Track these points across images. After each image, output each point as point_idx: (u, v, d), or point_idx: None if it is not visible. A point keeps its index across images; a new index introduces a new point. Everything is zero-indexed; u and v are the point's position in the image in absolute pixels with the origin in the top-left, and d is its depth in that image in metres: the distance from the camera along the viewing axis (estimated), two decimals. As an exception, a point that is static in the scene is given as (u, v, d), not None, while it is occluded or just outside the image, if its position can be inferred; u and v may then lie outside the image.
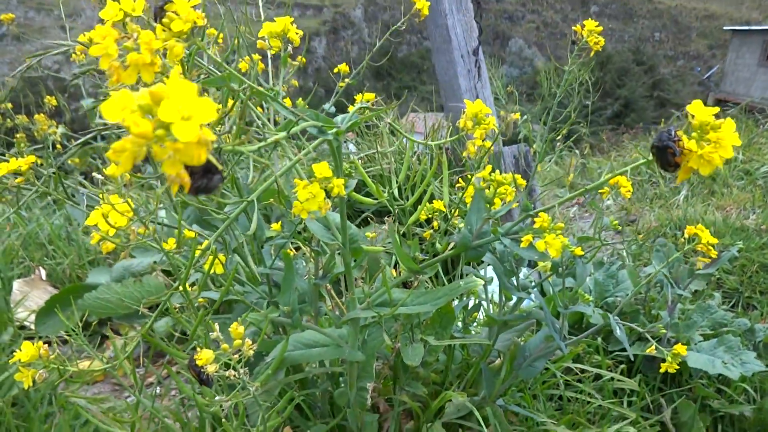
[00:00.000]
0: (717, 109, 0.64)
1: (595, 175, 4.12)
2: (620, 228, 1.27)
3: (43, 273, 2.20)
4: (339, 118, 0.81)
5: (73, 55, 3.15)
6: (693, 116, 0.64)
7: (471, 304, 1.39)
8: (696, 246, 1.06)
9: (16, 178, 1.11)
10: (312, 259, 1.21)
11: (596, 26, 1.09)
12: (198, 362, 0.62)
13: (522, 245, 0.76)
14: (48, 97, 3.44)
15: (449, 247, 0.95)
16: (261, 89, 0.65)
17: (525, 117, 3.12)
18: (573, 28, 1.11)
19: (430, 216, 1.17)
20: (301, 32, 0.96)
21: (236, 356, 0.65)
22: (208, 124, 0.37)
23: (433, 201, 1.03)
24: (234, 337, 0.66)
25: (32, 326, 1.82)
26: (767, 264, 2.65)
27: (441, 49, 2.47)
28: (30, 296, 1.97)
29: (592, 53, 1.11)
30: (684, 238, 1.16)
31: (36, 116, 2.07)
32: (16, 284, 2.00)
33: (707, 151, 0.61)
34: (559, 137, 1.77)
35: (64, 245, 2.36)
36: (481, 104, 0.83)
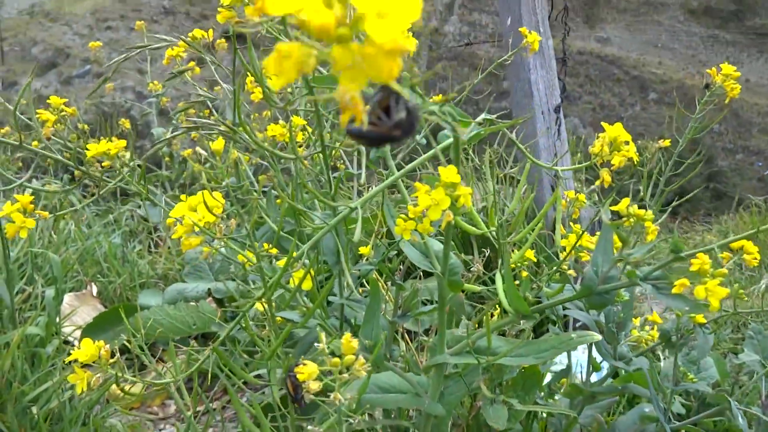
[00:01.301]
0: None
1: (664, 254, 3.89)
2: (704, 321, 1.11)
3: (95, 289, 2.15)
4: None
5: (150, 84, 3.20)
6: None
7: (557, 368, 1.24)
8: None
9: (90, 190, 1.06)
10: (390, 296, 1.09)
11: (734, 70, 0.99)
12: (299, 376, 0.51)
13: (675, 290, 0.64)
14: (123, 120, 3.51)
15: (563, 292, 0.83)
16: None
17: (591, 188, 2.96)
18: (707, 71, 1.01)
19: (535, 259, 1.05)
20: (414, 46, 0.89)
21: (346, 375, 0.53)
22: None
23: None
24: (344, 352, 0.54)
25: (76, 342, 1.75)
26: None
27: (521, 104, 2.40)
28: (78, 311, 1.91)
29: (727, 100, 1.00)
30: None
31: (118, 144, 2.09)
32: (67, 297, 1.95)
33: None
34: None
35: (118, 265, 2.32)
36: (621, 128, 0.73)
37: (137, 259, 2.43)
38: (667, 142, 0.77)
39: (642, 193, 1.66)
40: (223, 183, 0.66)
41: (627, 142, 0.73)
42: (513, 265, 1.06)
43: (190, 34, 1.12)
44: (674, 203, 1.29)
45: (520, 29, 1.47)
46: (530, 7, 2.40)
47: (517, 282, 0.84)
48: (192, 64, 1.25)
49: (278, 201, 1.37)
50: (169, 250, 2.57)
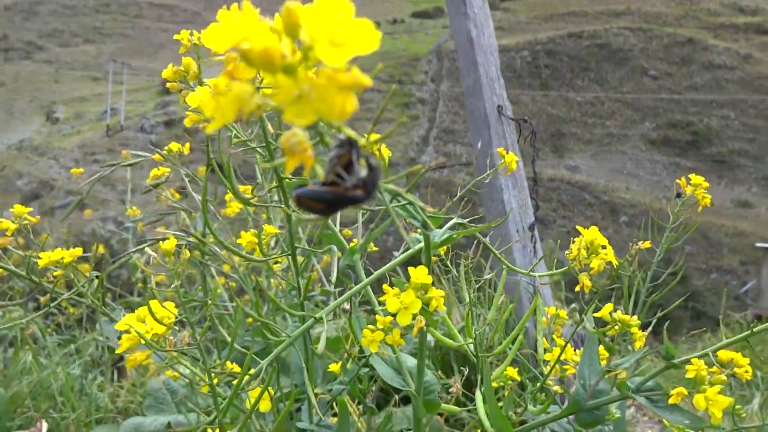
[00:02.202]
0: None
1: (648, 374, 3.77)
2: None
3: (45, 427, 1.97)
4: (434, 232, 0.69)
5: (129, 210, 3.20)
6: None
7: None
8: None
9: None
10: (361, 420, 1.00)
11: (703, 180, 1.00)
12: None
13: (671, 401, 0.58)
14: (98, 245, 3.46)
15: (549, 408, 0.75)
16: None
17: (572, 306, 2.95)
18: (677, 181, 1.02)
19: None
20: (389, 153, 0.88)
21: None
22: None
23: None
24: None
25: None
26: None
27: (497, 223, 2.42)
28: (23, 451, 1.72)
29: (700, 208, 1.00)
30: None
31: (81, 266, 2.03)
32: (12, 436, 1.77)
33: None
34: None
35: (74, 398, 2.15)
36: (597, 231, 0.70)
37: (97, 392, 2.26)
38: (647, 244, 0.75)
39: (623, 308, 1.62)
40: (172, 285, 0.61)
41: (604, 246, 0.71)
42: (495, 384, 0.99)
43: (166, 148, 1.12)
44: (658, 315, 1.25)
45: (498, 149, 1.51)
46: (499, 132, 2.51)
47: (499, 401, 0.77)
48: (165, 173, 1.23)
49: (249, 320, 1.30)
50: (132, 381, 2.41)
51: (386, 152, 0.85)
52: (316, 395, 0.93)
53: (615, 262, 0.71)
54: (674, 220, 1.11)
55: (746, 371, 1.06)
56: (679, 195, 1.04)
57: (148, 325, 0.62)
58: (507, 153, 2.62)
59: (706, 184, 1.03)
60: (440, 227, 0.80)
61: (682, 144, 33.16)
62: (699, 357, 0.63)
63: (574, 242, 0.71)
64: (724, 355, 1.08)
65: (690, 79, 36.40)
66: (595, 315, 0.70)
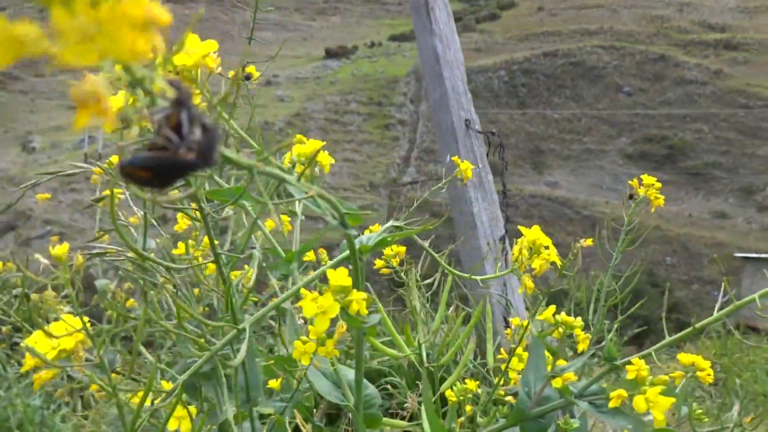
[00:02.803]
0: None
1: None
2: None
3: (0, 462, 1.88)
4: (364, 237, 0.66)
5: (97, 233, 3.14)
6: None
7: None
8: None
9: None
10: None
11: (655, 181, 0.98)
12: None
13: (611, 404, 0.54)
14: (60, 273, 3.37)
15: (496, 419, 0.72)
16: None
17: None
18: (629, 182, 1.01)
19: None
20: (332, 160, 0.85)
21: None
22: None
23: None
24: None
25: None
26: None
27: (466, 236, 2.40)
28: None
29: (653, 209, 0.99)
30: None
31: (47, 292, 1.97)
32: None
33: None
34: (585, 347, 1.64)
35: (35, 431, 2.06)
36: (539, 231, 0.68)
37: (59, 424, 2.18)
38: (589, 241, 0.72)
39: (598, 321, 1.60)
40: (63, 294, 0.57)
41: (546, 246, 0.68)
42: (454, 397, 0.95)
43: (108, 161, 1.08)
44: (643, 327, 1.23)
45: (452, 158, 1.49)
46: (467, 145, 2.51)
47: (460, 415, 0.74)
48: (107, 193, 1.19)
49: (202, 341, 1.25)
50: (96, 411, 2.32)
51: (327, 159, 0.82)
52: (264, 415, 0.89)
53: (558, 262, 0.69)
54: (629, 222, 1.09)
55: (708, 374, 1.04)
56: (631, 197, 1.02)
57: (57, 341, 0.58)
58: (477, 163, 2.61)
59: (659, 185, 1.02)
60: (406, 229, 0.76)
61: (658, 158, 33.75)
62: (641, 357, 0.60)
63: (516, 243, 0.69)
64: (685, 358, 1.06)
65: (663, 95, 37.20)
66: (539, 317, 0.67)
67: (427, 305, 1.01)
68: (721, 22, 43.58)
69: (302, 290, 0.52)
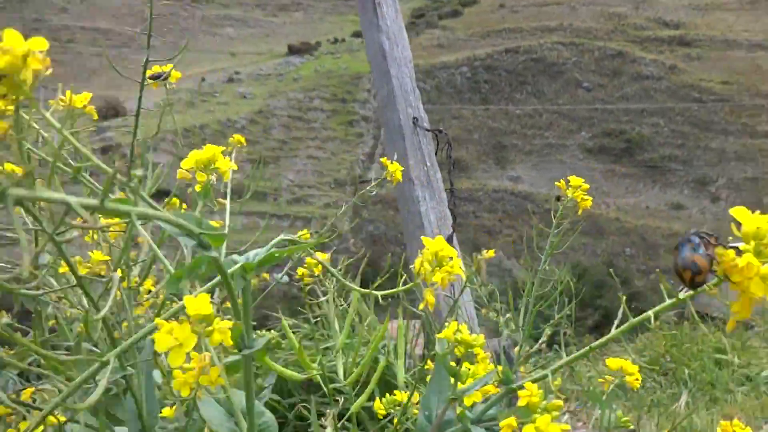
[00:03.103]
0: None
1: (584, 380, 3.80)
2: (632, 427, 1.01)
3: None
4: (251, 253, 0.61)
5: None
6: (741, 224, 0.44)
7: None
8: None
9: None
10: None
11: (582, 182, 0.96)
12: None
13: None
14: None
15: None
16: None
17: (507, 316, 2.91)
18: (556, 184, 0.98)
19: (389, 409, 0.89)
20: (234, 166, 0.80)
21: None
22: None
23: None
24: None
25: None
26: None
27: (414, 236, 2.37)
28: None
29: (579, 211, 0.97)
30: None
31: None
32: None
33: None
34: (542, 340, 1.63)
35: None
36: (443, 242, 0.64)
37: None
38: (491, 253, 0.69)
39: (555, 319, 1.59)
40: None
41: (451, 258, 0.65)
42: (383, 411, 0.90)
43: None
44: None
45: (381, 159, 1.45)
46: (414, 143, 2.47)
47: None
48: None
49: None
50: None
51: (227, 165, 0.78)
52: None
53: (462, 274, 0.65)
54: (557, 224, 1.07)
55: (636, 379, 1.02)
56: (558, 198, 1.00)
57: None
58: (424, 161, 2.58)
59: (586, 186, 1.00)
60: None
61: (617, 151, 34.53)
62: (536, 381, 0.57)
63: (421, 253, 0.65)
64: (614, 363, 1.04)
65: (621, 90, 38.04)
66: (439, 336, 0.63)
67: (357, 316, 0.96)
68: (675, 19, 44.80)
69: (157, 320, 0.46)
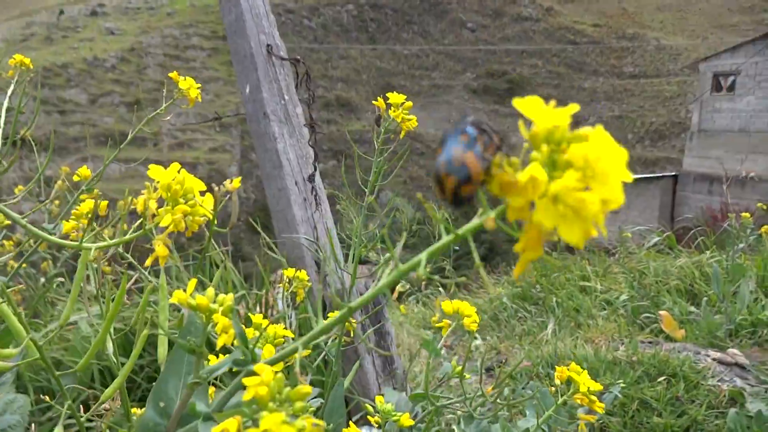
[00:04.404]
0: (576, 108, 0.30)
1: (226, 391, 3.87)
2: (464, 374, 0.92)
3: None
4: None
5: None
6: (531, 122, 0.29)
7: None
8: (575, 397, 0.70)
9: None
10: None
11: (405, 99, 0.80)
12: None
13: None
14: None
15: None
16: None
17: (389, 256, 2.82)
18: (373, 102, 0.81)
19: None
20: None
21: None
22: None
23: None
24: None
25: None
26: (646, 400, 2.41)
27: (272, 176, 2.16)
28: None
29: (402, 134, 0.81)
30: (557, 386, 0.80)
31: None
32: None
33: (570, 188, 0.25)
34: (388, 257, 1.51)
35: None
36: (174, 171, 0.45)
37: None
38: (237, 182, 0.53)
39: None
40: None
41: (203, 193, 0.46)
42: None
43: None
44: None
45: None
46: (270, 74, 2.23)
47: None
48: None
49: None
50: None
51: None
52: None
53: (209, 215, 0.47)
54: (380, 149, 0.92)
55: (474, 321, 0.92)
56: (378, 120, 0.84)
57: None
58: (282, 95, 2.33)
59: (409, 104, 0.85)
60: None
61: (500, 92, 35.64)
62: (276, 361, 0.41)
63: (146, 189, 0.46)
64: (448, 307, 0.93)
65: (503, 32, 38.97)
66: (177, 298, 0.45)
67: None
68: (552, -39, 46.12)
69: None
